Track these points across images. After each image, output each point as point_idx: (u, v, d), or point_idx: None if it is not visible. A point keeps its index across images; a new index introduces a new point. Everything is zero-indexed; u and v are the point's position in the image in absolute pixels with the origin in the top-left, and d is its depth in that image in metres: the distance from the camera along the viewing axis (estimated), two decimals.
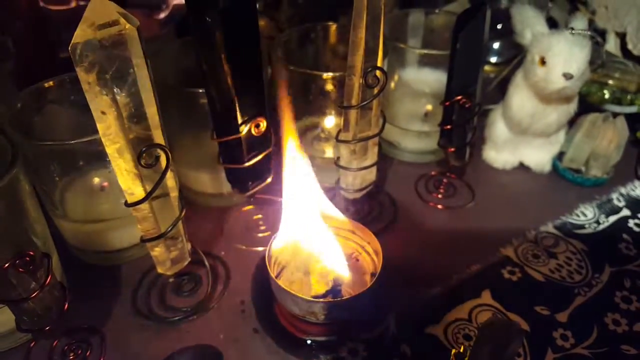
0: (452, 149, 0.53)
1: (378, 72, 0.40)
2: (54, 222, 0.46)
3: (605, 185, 0.58)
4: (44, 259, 0.34)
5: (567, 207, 0.55)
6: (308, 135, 0.57)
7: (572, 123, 0.58)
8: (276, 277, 0.39)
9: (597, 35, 0.59)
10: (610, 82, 0.67)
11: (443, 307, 0.44)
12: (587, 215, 0.54)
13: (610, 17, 0.74)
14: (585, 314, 0.44)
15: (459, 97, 0.48)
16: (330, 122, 0.55)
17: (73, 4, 0.57)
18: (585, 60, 0.50)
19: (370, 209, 0.54)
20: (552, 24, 0.75)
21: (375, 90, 0.41)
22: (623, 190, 0.58)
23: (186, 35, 0.57)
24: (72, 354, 0.40)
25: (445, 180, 0.58)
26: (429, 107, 0.61)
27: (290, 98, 0.51)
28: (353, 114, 0.43)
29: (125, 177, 0.34)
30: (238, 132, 0.41)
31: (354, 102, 0.42)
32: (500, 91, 0.62)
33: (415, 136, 0.61)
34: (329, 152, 0.56)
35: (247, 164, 0.44)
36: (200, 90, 0.46)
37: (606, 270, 0.48)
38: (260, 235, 0.52)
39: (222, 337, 0.42)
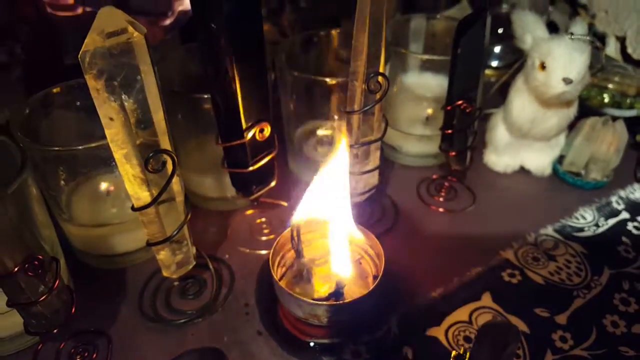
0: (453, 153, 0.53)
1: (380, 78, 0.40)
2: (60, 226, 0.47)
3: (604, 189, 0.58)
4: (52, 263, 0.35)
5: (567, 210, 0.56)
6: (311, 139, 0.58)
7: (572, 127, 0.59)
8: (279, 279, 0.40)
9: (597, 39, 0.60)
10: (610, 85, 0.67)
11: (444, 310, 0.45)
12: (586, 218, 0.55)
13: (611, 21, 0.75)
14: (584, 316, 0.45)
15: (460, 102, 0.49)
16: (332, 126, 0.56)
17: (80, 11, 0.58)
18: (585, 64, 0.50)
19: (372, 212, 0.55)
20: (553, 28, 0.76)
21: (378, 96, 0.42)
22: (622, 193, 0.58)
23: (191, 41, 0.58)
24: (78, 357, 0.41)
25: (446, 183, 0.58)
26: (430, 111, 0.62)
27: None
28: (355, 118, 0.43)
29: (132, 182, 0.35)
30: (242, 137, 0.42)
31: (356, 107, 0.42)
32: (500, 95, 0.62)
33: (417, 140, 0.61)
34: None
35: (251, 169, 0.44)
36: (205, 96, 0.46)
37: (605, 273, 0.49)
38: (264, 238, 0.52)
39: (227, 340, 0.42)
